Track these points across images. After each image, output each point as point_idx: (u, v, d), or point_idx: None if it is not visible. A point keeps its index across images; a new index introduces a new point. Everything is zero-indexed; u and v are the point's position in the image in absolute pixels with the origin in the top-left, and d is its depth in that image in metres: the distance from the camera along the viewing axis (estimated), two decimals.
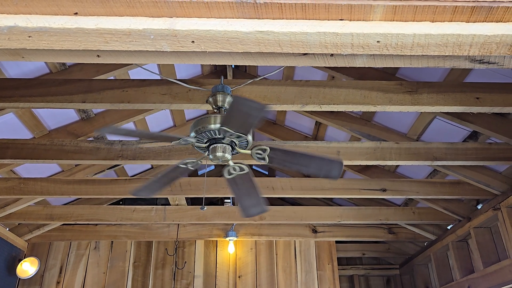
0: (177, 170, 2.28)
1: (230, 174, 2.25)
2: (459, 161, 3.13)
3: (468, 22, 1.12)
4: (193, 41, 1.15)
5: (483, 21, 1.12)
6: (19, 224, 4.70)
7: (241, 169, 2.22)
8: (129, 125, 3.99)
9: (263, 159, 2.17)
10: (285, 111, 4.23)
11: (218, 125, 2.05)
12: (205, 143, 2.18)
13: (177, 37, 1.13)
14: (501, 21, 1.12)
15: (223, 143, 2.14)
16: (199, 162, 2.23)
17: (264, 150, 2.16)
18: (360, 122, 3.67)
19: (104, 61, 1.31)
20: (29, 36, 1.11)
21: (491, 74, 2.78)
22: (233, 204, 5.58)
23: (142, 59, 1.32)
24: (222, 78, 2.51)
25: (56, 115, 3.49)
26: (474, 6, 1.08)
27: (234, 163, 2.22)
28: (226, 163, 2.23)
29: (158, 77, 3.29)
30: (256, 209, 2.49)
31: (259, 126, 2.09)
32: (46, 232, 4.93)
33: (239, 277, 4.98)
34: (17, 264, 4.53)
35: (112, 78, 3.30)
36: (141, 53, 1.28)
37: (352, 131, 3.62)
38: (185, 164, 2.24)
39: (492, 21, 1.12)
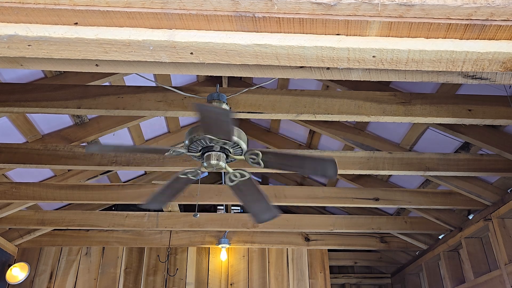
0: (179, 180, 2.29)
1: (232, 181, 2.25)
2: (451, 171, 3.16)
3: (462, 39, 1.15)
4: (191, 53, 1.16)
5: (476, 39, 1.15)
6: (9, 229, 4.66)
7: (242, 176, 2.23)
8: (123, 130, 3.99)
9: (258, 163, 2.18)
10: (280, 119, 4.25)
11: (202, 135, 2.06)
12: (199, 151, 2.19)
13: (176, 48, 1.15)
14: (494, 39, 1.15)
15: (217, 150, 2.15)
16: (199, 171, 2.23)
17: (256, 155, 2.18)
18: (354, 132, 3.70)
19: (103, 70, 1.32)
20: (28, 45, 1.11)
21: (483, 87, 2.83)
22: (243, 211, 5.56)
23: (141, 69, 1.33)
24: (218, 86, 2.52)
25: (50, 120, 3.48)
26: (468, 24, 1.11)
27: (234, 169, 2.23)
28: (221, 171, 2.24)
29: (154, 84, 3.30)
30: (268, 215, 2.48)
31: (234, 127, 2.10)
32: (37, 237, 4.88)
33: (231, 284, 4.97)
34: (7, 270, 4.48)
35: (107, 84, 3.30)
36: (139, 63, 1.30)
37: (345, 140, 3.65)
38: (185, 174, 2.24)
39: (485, 39, 1.15)
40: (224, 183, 5.02)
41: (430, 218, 4.27)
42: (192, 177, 2.28)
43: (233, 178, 2.24)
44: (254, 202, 2.39)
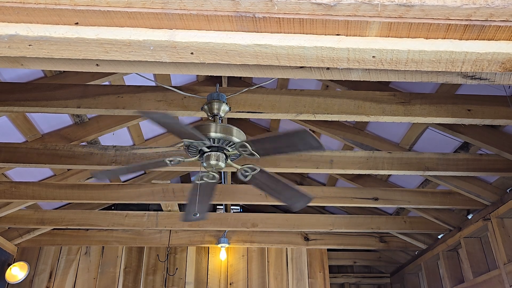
0: (158, 163, 2.26)
1: (245, 176, 2.24)
2: (451, 171, 3.17)
3: (461, 39, 1.15)
4: (192, 53, 1.16)
5: (475, 39, 1.15)
6: (9, 228, 4.66)
7: (252, 169, 2.22)
8: (123, 130, 3.99)
9: (252, 154, 2.17)
10: (279, 119, 4.25)
11: (241, 140, 2.08)
12: (199, 151, 2.19)
13: (176, 48, 1.15)
14: (493, 39, 1.15)
15: (217, 151, 2.15)
16: (182, 160, 2.22)
17: (253, 170, 2.18)
18: (353, 131, 3.70)
19: (103, 70, 1.32)
20: (29, 45, 1.12)
21: (482, 87, 2.83)
22: (243, 211, 5.55)
23: (141, 68, 1.33)
24: (218, 86, 2.52)
25: (50, 119, 3.48)
26: (467, 25, 1.11)
27: (242, 165, 2.22)
28: (220, 171, 2.24)
29: (154, 84, 3.30)
30: (302, 201, 2.40)
31: (232, 127, 2.12)
32: (36, 237, 4.89)
33: (230, 284, 4.97)
34: (6, 269, 4.48)
35: (107, 83, 3.30)
36: (140, 63, 1.30)
37: (345, 140, 3.65)
38: (202, 178, 2.25)
39: (484, 39, 1.15)
40: (224, 182, 5.03)
41: (429, 218, 4.28)
42: (210, 180, 2.28)
43: (245, 173, 2.23)
44: (281, 191, 2.33)
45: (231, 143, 2.13)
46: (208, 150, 2.14)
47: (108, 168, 2.09)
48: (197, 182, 2.28)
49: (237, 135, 2.14)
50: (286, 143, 1.97)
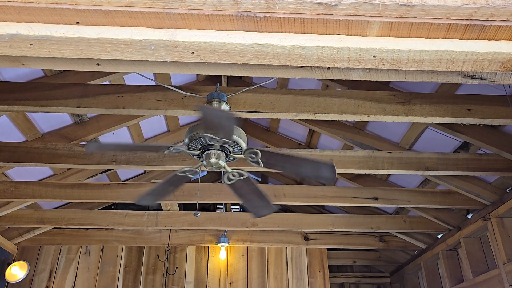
0: (176, 178, 2.29)
1: (230, 180, 2.26)
2: (450, 171, 3.17)
3: (462, 39, 1.15)
4: (193, 52, 1.17)
5: (476, 39, 1.15)
6: (9, 227, 4.66)
7: (240, 175, 2.24)
8: (123, 129, 3.99)
9: (257, 162, 2.19)
10: (279, 118, 4.25)
11: (202, 133, 2.08)
12: (199, 149, 2.19)
13: (177, 48, 1.15)
14: (494, 39, 1.16)
15: (216, 149, 2.15)
16: (197, 170, 2.24)
17: (255, 154, 2.18)
18: (353, 131, 3.70)
19: (104, 69, 1.32)
20: (30, 44, 1.12)
21: (482, 87, 2.83)
22: (242, 210, 5.56)
23: (142, 68, 1.33)
24: (218, 85, 2.52)
25: (50, 119, 3.48)
26: (468, 24, 1.11)
27: (233, 169, 2.24)
28: (220, 170, 2.25)
29: (154, 83, 3.30)
30: (266, 210, 2.50)
31: (238, 128, 2.13)
32: (36, 236, 4.89)
33: (230, 283, 4.97)
34: (6, 268, 4.48)
35: (107, 83, 3.30)
36: (141, 63, 1.30)
37: (345, 139, 3.66)
38: (184, 172, 2.25)
39: (484, 39, 1.16)
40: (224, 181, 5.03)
41: (429, 218, 4.28)
42: (190, 175, 2.29)
43: (231, 177, 2.25)
44: (253, 198, 2.40)
45: (236, 145, 2.14)
46: (211, 148, 2.15)
47: (110, 143, 2.08)
48: (179, 174, 2.28)
49: (243, 137, 2.16)
50: (302, 166, 2.02)
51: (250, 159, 2.18)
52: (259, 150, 2.15)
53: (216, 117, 1.76)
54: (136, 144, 2.16)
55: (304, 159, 2.13)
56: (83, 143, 3.69)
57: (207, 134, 2.01)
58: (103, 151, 2.19)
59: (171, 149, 2.16)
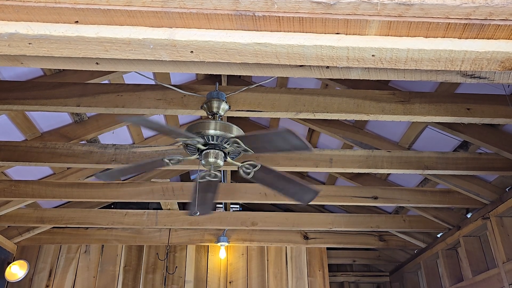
0: (157, 163, 2.26)
1: (247, 174, 2.24)
2: (450, 170, 3.17)
3: (461, 38, 1.15)
4: (192, 51, 1.16)
5: (475, 38, 1.16)
6: (8, 226, 4.66)
7: (254, 166, 2.21)
8: (123, 128, 3.99)
9: (249, 174, 2.19)
10: (279, 118, 4.25)
11: (220, 132, 2.07)
12: (197, 150, 2.19)
13: (176, 47, 1.15)
14: (492, 38, 1.16)
15: (216, 149, 2.15)
16: (182, 159, 2.22)
17: (253, 166, 2.18)
18: (353, 130, 3.70)
19: (103, 68, 1.32)
20: (29, 43, 1.12)
21: (481, 86, 2.84)
22: (242, 210, 5.54)
23: (141, 67, 1.33)
24: (217, 84, 2.52)
25: (49, 118, 3.48)
26: (467, 23, 1.11)
27: (243, 162, 2.22)
28: (219, 169, 2.25)
29: (153, 82, 3.30)
30: (309, 194, 2.38)
31: (239, 129, 2.14)
32: (36, 235, 4.89)
33: (230, 282, 4.98)
34: (6, 267, 4.48)
35: (106, 82, 3.30)
36: (140, 62, 1.30)
37: (344, 138, 3.66)
38: (203, 177, 2.25)
39: (483, 38, 1.16)
40: (224, 181, 5.03)
41: (428, 217, 4.29)
42: (212, 179, 2.28)
43: (246, 170, 2.22)
44: (286, 186, 2.32)
45: (227, 141, 2.14)
46: (205, 148, 2.14)
47: (110, 168, 2.10)
48: (199, 180, 2.28)
49: (232, 132, 2.13)
50: (271, 141, 1.97)
51: (239, 149, 2.16)
52: (260, 165, 2.16)
53: (290, 144, 1.81)
54: (136, 165, 2.17)
55: (294, 182, 2.20)
56: (83, 142, 3.69)
57: (238, 139, 2.03)
58: (110, 178, 2.26)
59: (171, 162, 2.17)
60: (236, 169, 2.25)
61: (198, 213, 2.53)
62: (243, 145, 2.07)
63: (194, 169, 3.68)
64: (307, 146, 1.85)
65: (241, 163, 2.22)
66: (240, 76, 4.07)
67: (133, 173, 2.36)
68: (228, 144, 2.15)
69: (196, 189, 2.37)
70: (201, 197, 2.43)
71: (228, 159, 2.22)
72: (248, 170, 2.21)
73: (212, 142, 2.13)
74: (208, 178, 2.28)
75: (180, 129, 1.97)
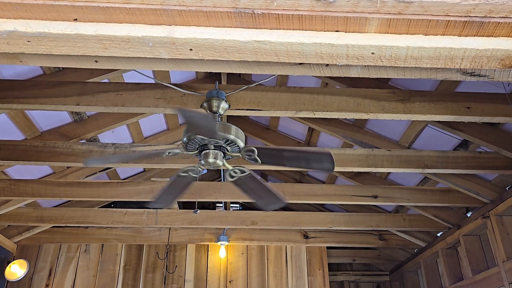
0: (181, 179, 2.30)
1: (232, 177, 2.27)
2: (450, 169, 3.17)
3: (460, 36, 1.15)
4: (191, 49, 1.16)
5: (474, 36, 1.15)
6: (8, 226, 4.66)
7: (242, 172, 2.24)
8: (122, 128, 3.99)
9: (254, 160, 2.20)
10: (279, 116, 4.25)
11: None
12: (197, 149, 2.20)
13: (175, 44, 1.15)
14: (492, 36, 1.15)
15: (214, 149, 2.16)
16: (200, 168, 2.25)
17: (252, 151, 2.19)
18: (353, 129, 3.70)
19: (102, 66, 1.32)
20: (28, 41, 1.11)
21: (481, 84, 2.83)
22: (242, 209, 5.55)
23: (140, 65, 1.33)
24: (217, 83, 2.52)
25: (49, 117, 3.48)
26: (466, 21, 1.11)
27: (233, 166, 2.25)
28: (219, 168, 2.25)
29: (153, 81, 3.29)
30: (275, 204, 2.52)
31: (236, 127, 2.15)
32: (36, 234, 4.89)
33: (230, 281, 4.98)
34: (6, 266, 4.48)
35: (106, 81, 3.29)
36: (139, 60, 1.30)
37: (344, 137, 3.65)
38: (186, 172, 2.26)
39: (483, 36, 1.15)
40: (223, 180, 5.03)
41: (428, 216, 4.28)
42: (194, 175, 2.29)
43: (233, 174, 2.26)
44: (259, 193, 2.40)
45: (233, 144, 2.15)
46: (208, 148, 2.15)
47: (106, 157, 2.11)
48: (181, 174, 2.29)
49: (241, 136, 2.16)
50: (299, 159, 2.02)
51: (247, 157, 2.18)
52: (255, 148, 2.16)
53: (194, 117, 1.78)
54: (132, 155, 2.18)
55: (301, 151, 2.14)
56: (83, 141, 3.69)
57: (196, 135, 2.03)
58: (103, 164, 2.26)
59: (168, 153, 2.18)
60: (222, 168, 2.26)
61: (198, 212, 2.53)
62: (256, 155, 2.10)
63: (191, 167, 3.68)
64: (333, 168, 1.95)
65: (233, 166, 2.24)
66: (240, 75, 4.07)
67: (126, 162, 2.35)
68: (235, 149, 2.17)
69: (242, 190, 2.40)
70: (256, 194, 2.45)
71: (224, 162, 2.23)
72: (235, 175, 2.24)
73: (219, 144, 2.14)
74: (190, 173, 2.29)
75: (158, 148, 2.00)
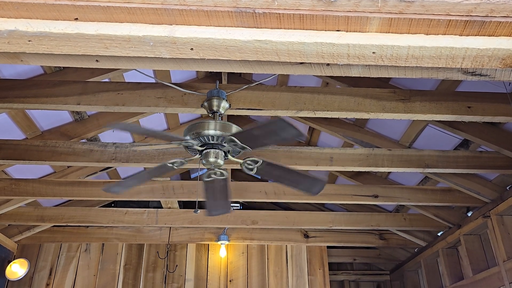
0: (162, 168, 2.27)
1: (250, 169, 2.24)
2: (450, 168, 3.17)
3: (462, 35, 1.15)
4: (192, 49, 1.16)
5: (476, 35, 1.15)
6: (9, 225, 4.66)
7: (255, 162, 2.22)
8: None
9: (252, 170, 2.20)
10: (279, 116, 4.25)
11: (218, 132, 2.08)
12: (199, 149, 2.19)
13: (176, 44, 1.15)
14: (493, 35, 1.15)
15: (216, 148, 2.15)
16: (185, 162, 2.23)
17: (256, 162, 2.18)
18: (353, 129, 3.70)
19: (103, 66, 1.32)
20: (29, 40, 1.11)
21: (482, 84, 2.83)
22: (243, 208, 5.56)
23: (141, 64, 1.33)
24: (218, 82, 2.52)
25: (49, 116, 3.48)
26: (468, 20, 1.11)
27: (244, 159, 2.22)
28: (218, 168, 2.24)
29: (153, 81, 3.30)
30: (318, 186, 2.38)
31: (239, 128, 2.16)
32: (36, 234, 4.89)
33: (230, 281, 4.98)
34: (6, 266, 4.48)
35: (107, 80, 3.29)
36: (140, 59, 1.30)
37: (345, 137, 3.65)
38: (172, 163, 2.24)
39: (484, 35, 1.15)
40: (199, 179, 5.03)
41: (429, 215, 4.28)
42: (175, 167, 2.26)
43: (249, 166, 2.22)
44: (290, 178, 2.32)
45: (223, 139, 2.14)
46: (204, 148, 2.14)
47: (118, 181, 2.16)
48: (206, 179, 2.29)
49: (229, 130, 2.12)
50: (266, 134, 1.98)
51: (247, 165, 2.18)
52: (262, 160, 2.16)
53: (285, 132, 1.82)
54: (144, 174, 2.20)
55: (299, 174, 2.19)
56: (83, 140, 3.69)
57: (233, 137, 2.03)
58: (123, 130, 2.26)
59: (175, 165, 2.19)
60: (239, 166, 2.25)
61: (198, 211, 2.53)
62: (239, 143, 2.07)
63: (194, 167, 3.68)
64: (300, 132, 1.89)
65: (243, 160, 2.21)
66: (240, 74, 4.07)
67: (141, 183, 2.37)
68: (225, 143, 2.14)
69: (206, 189, 2.38)
70: (214, 197, 2.44)
71: (230, 157, 2.22)
72: (251, 166, 2.21)
73: (209, 142, 2.13)
74: (214, 176, 2.28)
75: (172, 134, 1.99)
